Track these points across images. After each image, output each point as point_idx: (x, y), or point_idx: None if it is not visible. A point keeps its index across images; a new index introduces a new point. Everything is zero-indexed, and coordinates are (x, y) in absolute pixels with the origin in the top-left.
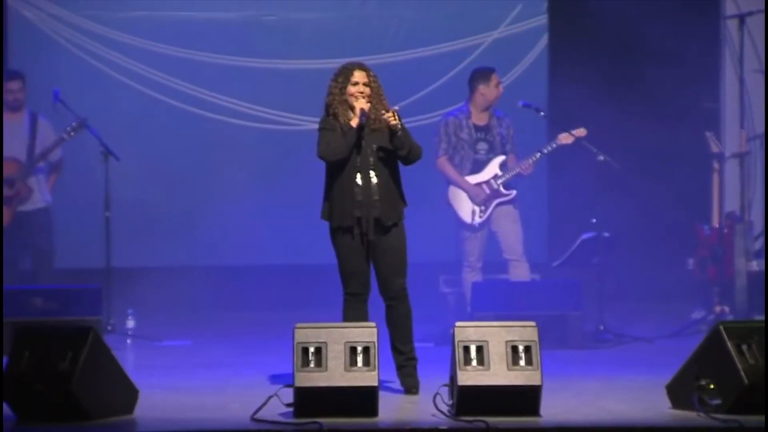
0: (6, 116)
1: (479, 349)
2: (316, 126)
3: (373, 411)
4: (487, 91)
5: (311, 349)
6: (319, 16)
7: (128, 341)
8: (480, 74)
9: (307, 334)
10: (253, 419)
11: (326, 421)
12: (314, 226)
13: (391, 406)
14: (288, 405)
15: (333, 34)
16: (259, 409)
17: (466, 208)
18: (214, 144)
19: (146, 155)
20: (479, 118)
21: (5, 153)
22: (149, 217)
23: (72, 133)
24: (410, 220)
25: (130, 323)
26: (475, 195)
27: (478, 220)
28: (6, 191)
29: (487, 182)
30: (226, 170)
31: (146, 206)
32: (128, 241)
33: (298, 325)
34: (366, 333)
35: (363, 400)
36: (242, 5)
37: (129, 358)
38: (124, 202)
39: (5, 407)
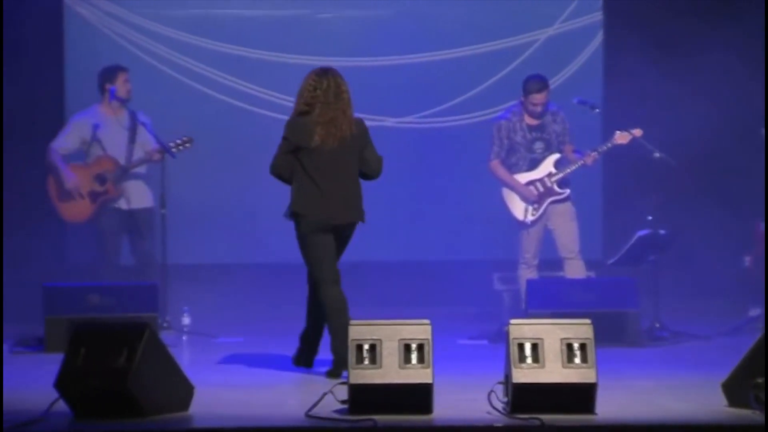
0: (107, 111)
1: (534, 347)
2: (374, 123)
3: (427, 408)
4: (533, 107)
5: (365, 347)
6: (373, 14)
7: (183, 338)
8: (532, 83)
9: (362, 331)
10: (308, 416)
11: (381, 418)
12: (362, 224)
13: (446, 404)
14: (342, 402)
15: (386, 32)
16: (314, 405)
17: (518, 207)
18: (267, 141)
19: (201, 152)
20: (532, 119)
21: (107, 149)
22: (205, 214)
23: (180, 147)
24: (465, 218)
25: (186, 320)
26: (526, 194)
27: (530, 218)
28: (96, 188)
29: (540, 180)
30: None
31: (202, 203)
32: (184, 239)
33: (353, 322)
34: (420, 330)
35: (417, 397)
36: (297, 3)
37: (184, 355)
38: (180, 200)
39: (62, 403)
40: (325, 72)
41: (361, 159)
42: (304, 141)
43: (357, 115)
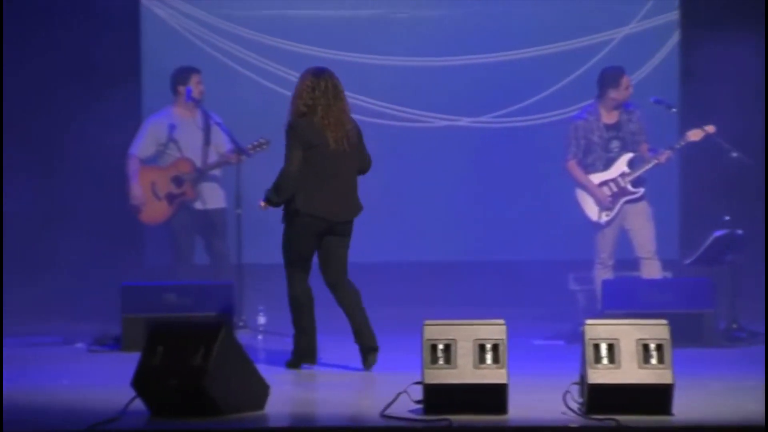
0: (182, 112)
1: (610, 347)
2: (449, 122)
3: (502, 408)
4: (617, 95)
5: (440, 347)
6: (449, 14)
7: (259, 337)
8: (610, 77)
9: (436, 331)
10: (383, 415)
11: (456, 418)
12: (440, 224)
13: (521, 404)
14: (417, 402)
15: (462, 31)
16: (389, 405)
17: (592, 207)
18: None
19: (275, 152)
20: (609, 117)
21: (183, 150)
22: (279, 213)
23: (257, 149)
24: (541, 218)
25: (261, 319)
26: (599, 197)
27: (604, 218)
28: (173, 189)
29: (614, 180)
30: None
31: None
32: (259, 238)
33: (427, 322)
34: (495, 330)
35: (492, 397)
36: (374, 3)
37: (260, 354)
38: (255, 200)
39: (139, 401)
40: (321, 72)
41: (360, 156)
42: (317, 140)
43: (430, 115)
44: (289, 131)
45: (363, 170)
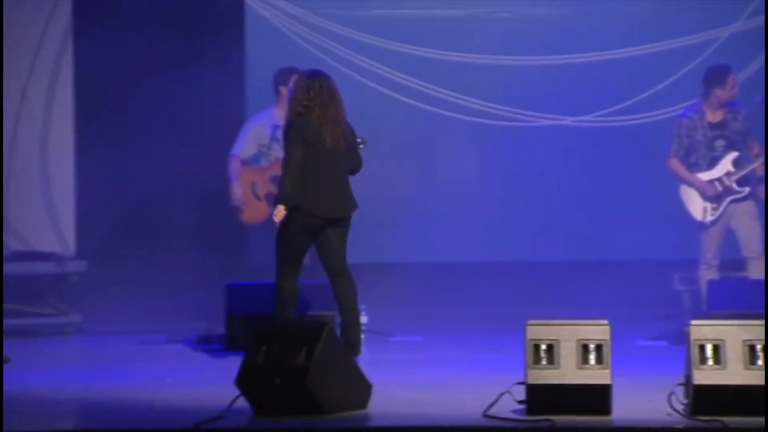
0: (282, 112)
1: (715, 348)
2: (552, 122)
3: (606, 409)
4: (723, 94)
5: (543, 347)
6: (552, 13)
7: (361, 336)
8: (716, 76)
9: (539, 331)
10: (485, 415)
11: (559, 418)
12: (542, 223)
13: (625, 405)
14: (520, 402)
15: (565, 30)
16: (491, 405)
17: (697, 206)
18: (445, 141)
19: (378, 152)
20: (714, 116)
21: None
22: (382, 213)
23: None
24: (645, 217)
25: (363, 319)
26: (706, 192)
27: (709, 217)
28: (272, 190)
29: (718, 179)
30: (457, 166)
31: (379, 203)
32: (361, 238)
33: (530, 322)
34: (599, 331)
35: (596, 398)
36: (477, 3)
37: (362, 353)
38: (358, 199)
39: (243, 400)
40: (315, 74)
41: (353, 156)
42: (313, 139)
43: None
44: (287, 129)
45: (354, 171)
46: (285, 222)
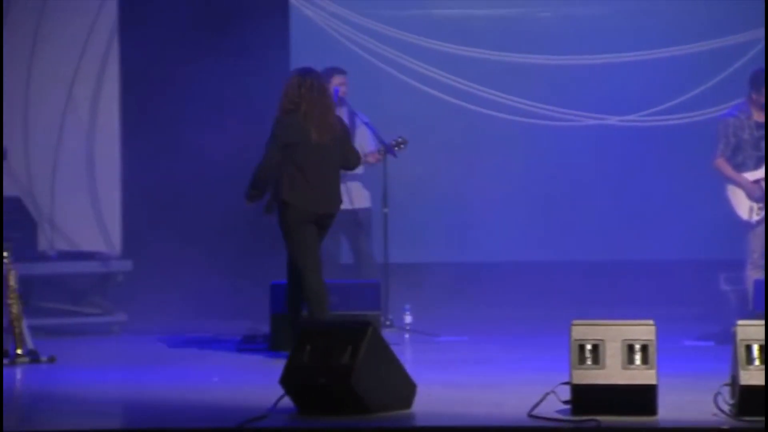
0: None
1: (762, 349)
2: (597, 121)
3: (651, 410)
4: (761, 99)
5: (588, 347)
6: (594, 12)
7: (406, 336)
8: (757, 80)
9: (584, 331)
10: (530, 416)
11: (604, 418)
12: (588, 223)
13: (670, 405)
14: (565, 402)
15: (608, 29)
16: (536, 405)
17: (743, 205)
18: (486, 140)
19: (420, 151)
20: (760, 116)
21: None
22: (425, 213)
23: (395, 148)
24: (691, 217)
25: (408, 318)
26: (753, 192)
27: (755, 217)
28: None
29: (764, 178)
30: (500, 165)
31: (422, 202)
32: (405, 237)
33: (575, 322)
34: (644, 331)
35: (641, 398)
36: (519, 2)
37: (406, 353)
38: (400, 199)
39: (287, 399)
40: (307, 72)
41: (343, 154)
42: (298, 137)
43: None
44: (273, 126)
45: (349, 166)
46: (281, 223)
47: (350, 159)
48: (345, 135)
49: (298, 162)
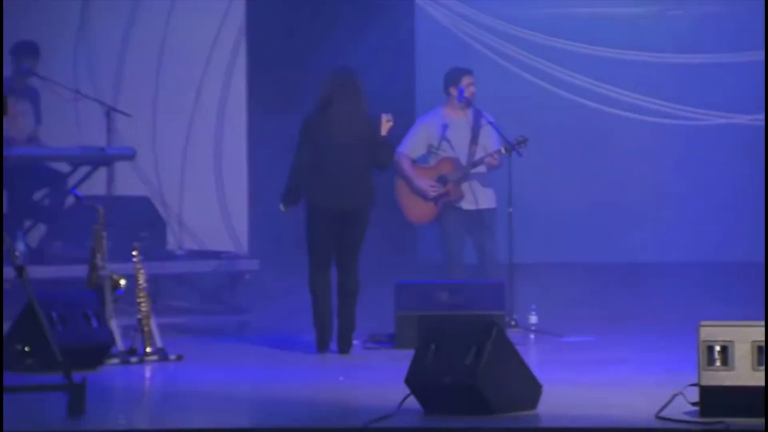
0: (453, 112)
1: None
2: (726, 120)
3: None
4: None
5: (716, 348)
6: (725, 10)
7: (531, 336)
8: None
9: (713, 332)
10: (658, 417)
11: (733, 421)
12: (711, 223)
13: None
14: (693, 404)
15: (736, 27)
16: (664, 407)
17: None
18: (613, 139)
19: (546, 150)
20: None
21: (455, 150)
22: (550, 212)
23: (518, 146)
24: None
25: (533, 318)
26: None
27: None
28: (438, 189)
29: None
30: (629, 165)
31: (547, 201)
32: (530, 237)
33: (703, 323)
34: None
35: None
36: (647, 1)
37: (532, 354)
38: (526, 198)
39: (413, 399)
40: (341, 71)
41: (371, 153)
42: (325, 135)
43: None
44: (301, 128)
45: (381, 163)
46: (305, 219)
47: (379, 156)
48: (372, 133)
49: (318, 160)
